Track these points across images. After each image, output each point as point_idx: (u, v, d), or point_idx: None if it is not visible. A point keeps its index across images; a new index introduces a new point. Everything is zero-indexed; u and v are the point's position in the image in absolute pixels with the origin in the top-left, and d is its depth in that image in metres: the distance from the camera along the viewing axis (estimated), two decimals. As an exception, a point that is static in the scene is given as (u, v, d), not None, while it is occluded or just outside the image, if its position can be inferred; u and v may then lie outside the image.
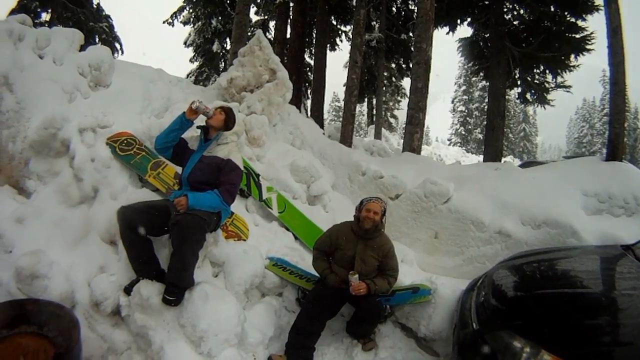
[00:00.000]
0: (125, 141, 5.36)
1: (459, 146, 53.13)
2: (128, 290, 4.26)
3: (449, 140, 59.74)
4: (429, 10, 10.08)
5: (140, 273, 4.29)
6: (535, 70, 15.28)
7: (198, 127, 4.77)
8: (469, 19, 15.85)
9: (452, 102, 59.26)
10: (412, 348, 4.96)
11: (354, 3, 15.08)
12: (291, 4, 17.83)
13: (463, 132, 56.34)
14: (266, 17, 21.54)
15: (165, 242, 4.58)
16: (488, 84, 16.33)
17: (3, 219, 4.55)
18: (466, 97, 56.80)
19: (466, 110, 56.51)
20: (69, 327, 3.33)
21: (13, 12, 15.17)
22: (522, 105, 23.23)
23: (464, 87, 57.30)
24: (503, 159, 15.94)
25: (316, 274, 5.00)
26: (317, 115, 15.93)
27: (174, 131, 4.58)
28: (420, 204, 6.97)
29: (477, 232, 6.47)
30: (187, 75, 22.05)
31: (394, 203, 7.18)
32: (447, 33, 16.02)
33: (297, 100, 13.31)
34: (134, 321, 4.14)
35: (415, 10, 18.35)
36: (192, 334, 3.98)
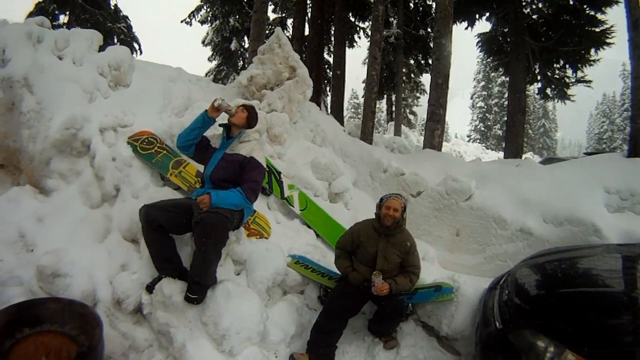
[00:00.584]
0: (146, 140, 5.39)
1: (479, 143, 52.71)
2: (150, 288, 4.28)
3: (468, 136, 59.25)
4: (447, 5, 10.00)
5: (163, 271, 4.30)
6: (555, 65, 15.07)
7: (220, 125, 4.76)
8: (487, 14, 15.72)
9: (471, 98, 58.76)
10: (434, 347, 4.91)
11: (372, -1, 15.02)
12: (309, 1, 17.78)
13: (482, 129, 55.82)
14: (284, 14, 21.52)
15: (187, 240, 4.59)
16: (508, 79, 16.18)
17: (24, 218, 4.57)
18: (485, 93, 56.25)
19: (485, 106, 55.96)
20: (91, 325, 3.33)
21: (31, 15, 15.25)
22: (542, 100, 23.01)
23: (482, 83, 56.76)
24: (523, 156, 15.78)
25: (338, 272, 4.97)
26: (337, 112, 15.88)
27: (196, 129, 4.59)
28: (442, 201, 6.96)
29: (498, 230, 6.43)
30: (206, 74, 22.12)
31: (415, 200, 7.17)
32: (466, 28, 15.94)
33: (317, 98, 13.25)
34: (156, 319, 4.15)
35: (433, 6, 18.27)
36: (214, 332, 3.97)
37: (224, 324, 3.96)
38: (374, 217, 4.91)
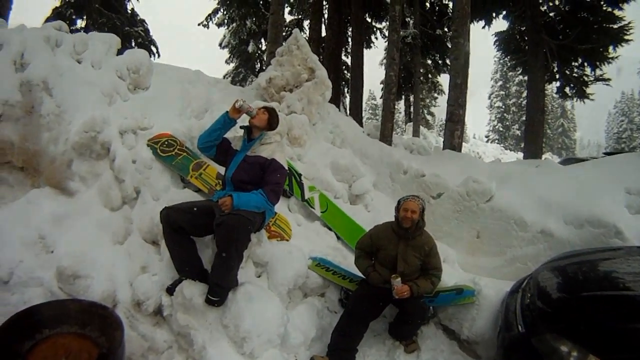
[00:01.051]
0: (166, 142, 5.41)
1: (497, 143, 52.45)
2: (170, 290, 4.28)
3: (486, 137, 58.98)
4: (465, 4, 9.95)
5: (183, 273, 4.31)
6: (573, 63, 14.97)
7: (241, 127, 4.78)
8: (504, 12, 15.62)
9: (489, 97, 58.47)
10: (455, 351, 4.89)
11: (389, -1, 14.98)
12: (325, 3, 17.79)
13: (501, 129, 55.53)
14: (300, 16, 21.56)
15: (208, 242, 4.58)
16: (526, 78, 16.07)
17: (44, 220, 4.58)
18: (503, 93, 55.98)
19: (503, 106, 55.67)
20: (112, 327, 3.33)
21: (48, 20, 15.41)
22: (560, 100, 22.85)
23: (500, 82, 56.51)
24: (542, 156, 15.64)
25: (359, 275, 4.95)
26: (356, 114, 15.88)
27: (217, 130, 4.61)
28: (463, 203, 6.89)
29: (519, 232, 6.30)
30: (224, 77, 22.24)
31: (435, 202, 7.12)
32: (483, 27, 15.88)
33: (336, 99, 13.24)
34: (176, 321, 4.15)
35: (450, 5, 18.20)
36: (235, 334, 3.97)
37: (245, 326, 3.96)
38: (393, 219, 4.88)
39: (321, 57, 16.35)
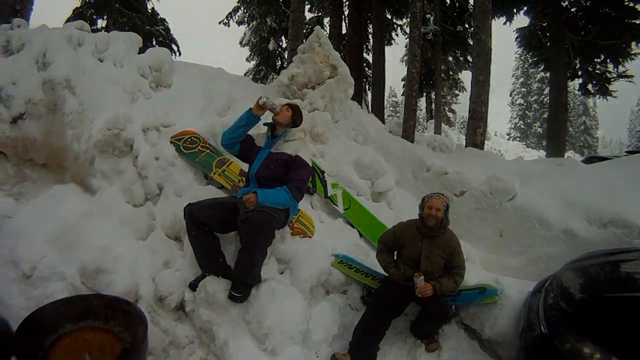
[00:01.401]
0: (189, 139, 5.43)
1: (519, 141, 51.99)
2: (193, 286, 4.31)
3: (507, 134, 58.49)
4: (486, 0, 9.87)
5: (206, 269, 4.33)
6: (595, 60, 14.73)
7: (265, 124, 4.78)
8: (525, 8, 15.44)
9: (510, 95, 57.93)
10: (475, 350, 4.82)
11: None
12: (344, 0, 17.79)
13: (522, 126, 54.98)
14: (320, 13, 21.53)
15: (231, 238, 4.60)
16: (548, 75, 15.89)
17: (68, 216, 4.61)
18: (524, 90, 55.40)
19: (525, 103, 55.10)
20: (135, 323, 3.34)
21: (69, 20, 15.49)
22: (582, 97, 22.60)
23: (521, 79, 55.92)
24: (565, 154, 15.45)
25: (382, 272, 4.91)
26: (378, 111, 15.85)
27: (240, 127, 4.62)
28: (485, 201, 6.82)
29: (542, 231, 6.23)
30: (245, 74, 22.26)
31: (458, 200, 7.07)
32: (505, 23, 15.70)
33: (358, 96, 13.22)
34: (199, 316, 4.17)
35: (470, 1, 18.05)
36: (257, 330, 3.99)
37: (268, 322, 3.98)
38: (417, 217, 4.83)
39: (342, 54, 16.34)
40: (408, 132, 10.02)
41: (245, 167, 4.98)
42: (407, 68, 11.13)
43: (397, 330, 4.96)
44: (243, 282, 4.08)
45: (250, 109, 4.58)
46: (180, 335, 4.20)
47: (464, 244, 5.91)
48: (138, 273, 4.41)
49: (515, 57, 53.85)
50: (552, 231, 6.14)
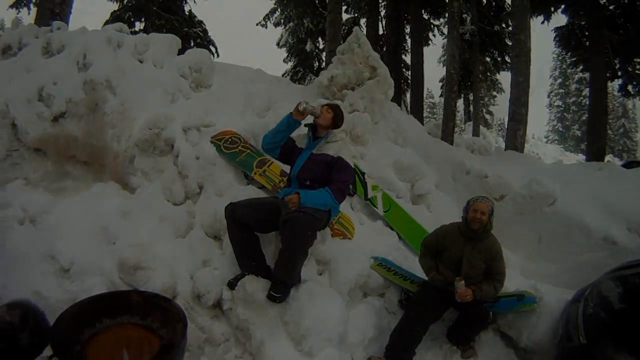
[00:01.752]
0: (229, 139, 5.46)
1: (556, 144, 51.06)
2: (232, 284, 4.31)
3: (545, 137, 57.48)
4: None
5: (246, 269, 4.33)
6: (635, 59, 14.41)
7: (306, 125, 4.75)
8: (562, 6, 15.14)
9: (548, 96, 56.90)
10: (511, 359, 4.74)
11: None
12: (381, 0, 17.71)
13: (560, 129, 53.90)
14: (356, 14, 21.49)
15: (271, 238, 4.62)
16: (587, 76, 15.55)
17: (108, 213, 4.71)
18: (562, 91, 54.28)
19: (563, 105, 54.01)
20: (174, 320, 3.35)
21: (107, 23, 15.71)
22: (621, 98, 22.09)
23: (559, 80, 54.86)
24: (619, 165, 15.07)
25: (420, 276, 4.87)
26: (417, 112, 15.75)
27: (281, 132, 4.60)
28: (525, 206, 6.69)
29: (581, 238, 6.08)
30: (282, 75, 22.38)
31: (497, 204, 6.84)
32: (542, 22, 15.36)
33: (397, 98, 13.19)
34: (236, 315, 4.19)
35: (507, 0, 17.77)
36: (295, 331, 3.98)
37: (306, 324, 3.96)
38: (457, 220, 4.81)
39: (379, 55, 16.30)
40: (447, 134, 9.94)
41: (286, 167, 5.00)
42: (446, 69, 11.02)
43: (433, 336, 4.89)
44: (283, 283, 4.07)
45: (291, 113, 4.55)
46: (217, 333, 4.22)
47: (503, 250, 5.86)
48: (176, 270, 4.45)
49: (553, 57, 52.82)
50: (592, 238, 6.00)
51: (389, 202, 6.17)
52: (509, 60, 19.71)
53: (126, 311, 3.36)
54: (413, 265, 5.01)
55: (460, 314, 4.65)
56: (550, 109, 56.07)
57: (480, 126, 25.79)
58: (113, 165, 5.28)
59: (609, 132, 51.51)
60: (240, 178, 5.45)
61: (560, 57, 47.31)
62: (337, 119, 4.64)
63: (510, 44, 16.31)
